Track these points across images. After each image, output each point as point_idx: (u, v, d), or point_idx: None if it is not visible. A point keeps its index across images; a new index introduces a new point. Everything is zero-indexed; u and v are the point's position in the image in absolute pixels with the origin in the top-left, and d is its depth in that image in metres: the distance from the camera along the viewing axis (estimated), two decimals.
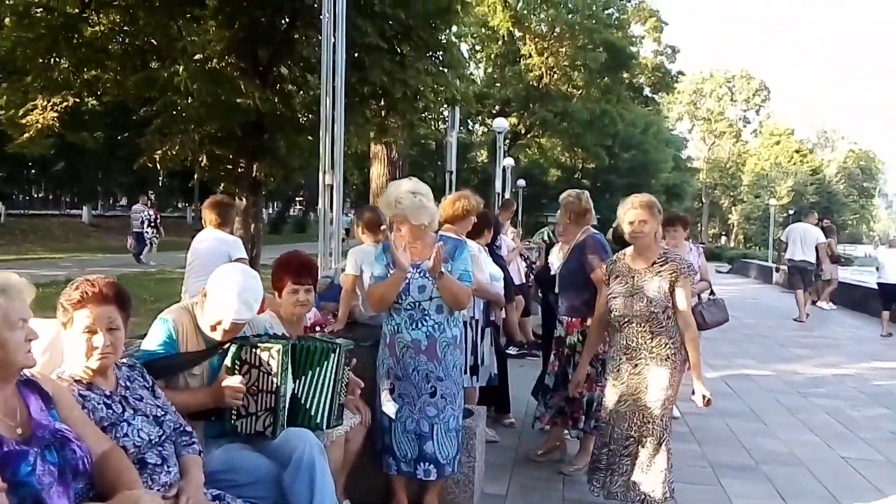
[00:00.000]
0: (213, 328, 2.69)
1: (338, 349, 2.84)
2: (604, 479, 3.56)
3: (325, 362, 2.80)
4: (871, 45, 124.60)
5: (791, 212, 60.82)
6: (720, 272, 26.31)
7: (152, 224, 18.84)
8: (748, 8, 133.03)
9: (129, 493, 1.92)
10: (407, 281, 3.33)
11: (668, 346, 3.44)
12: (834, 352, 9.36)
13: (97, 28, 10.05)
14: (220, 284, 2.67)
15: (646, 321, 3.42)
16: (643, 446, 3.47)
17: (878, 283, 11.26)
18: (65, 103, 10.35)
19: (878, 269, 11.40)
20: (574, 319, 4.36)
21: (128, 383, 2.35)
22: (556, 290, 4.64)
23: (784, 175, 64.69)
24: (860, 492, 4.32)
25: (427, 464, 3.35)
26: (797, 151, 69.11)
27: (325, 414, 2.81)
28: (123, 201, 44.53)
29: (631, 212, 3.49)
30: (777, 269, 13.29)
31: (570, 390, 4.07)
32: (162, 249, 19.92)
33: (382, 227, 4.44)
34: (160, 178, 30.16)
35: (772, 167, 66.22)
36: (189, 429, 2.44)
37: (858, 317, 13.29)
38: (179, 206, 43.53)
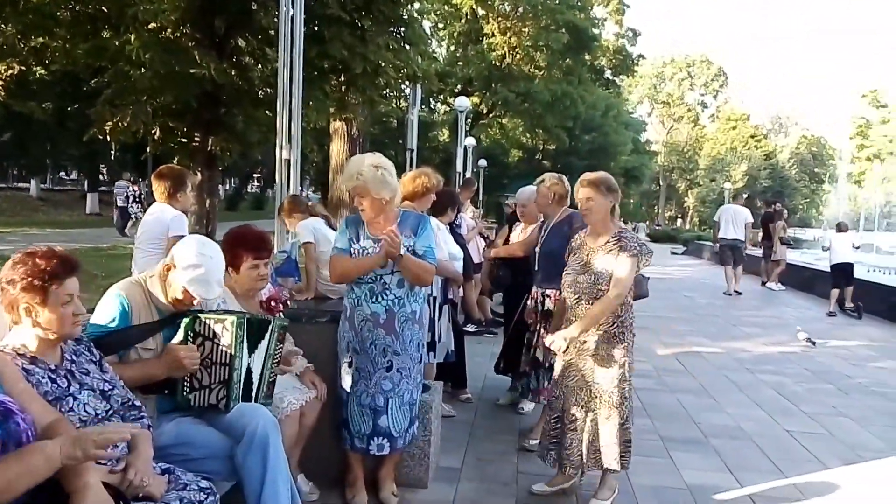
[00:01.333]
0: (178, 301, 2.66)
1: (270, 324, 2.82)
2: (556, 450, 3.63)
3: (265, 336, 2.79)
4: (826, 34, 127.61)
5: (745, 196, 62.15)
6: (675, 254, 26.84)
7: (137, 199, 19.20)
8: None
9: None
10: (368, 253, 3.31)
11: (615, 325, 3.47)
12: (781, 331, 9.64)
13: None
14: (194, 260, 2.62)
15: (593, 298, 3.45)
16: (593, 421, 3.51)
17: (831, 266, 11.80)
18: (10, 71, 9.95)
19: (828, 251, 12.04)
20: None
21: (74, 357, 2.29)
22: (535, 268, 4.70)
23: (739, 159, 66.05)
24: (803, 463, 4.48)
25: (381, 438, 3.35)
26: (752, 136, 70.49)
27: (255, 389, 2.79)
28: (74, 175, 43.26)
29: (580, 189, 3.54)
30: (714, 246, 14.13)
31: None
32: (113, 224, 19.77)
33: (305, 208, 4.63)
34: (112, 151, 29.28)
35: (727, 152, 67.46)
36: (138, 403, 2.41)
37: (806, 297, 13.72)
38: (132, 180, 42.36)
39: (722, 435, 4.97)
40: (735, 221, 13.26)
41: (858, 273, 12.16)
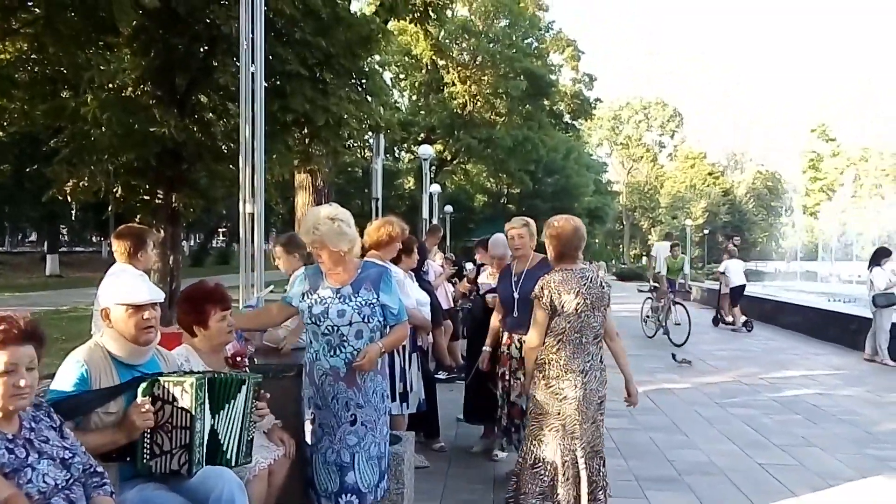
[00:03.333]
0: (138, 333, 2.63)
1: (247, 381, 2.81)
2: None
3: (238, 395, 2.76)
4: (772, 72, 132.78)
5: (706, 231, 63.49)
6: (642, 291, 27.03)
7: None
8: (660, 37, 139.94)
9: None
10: (326, 305, 3.29)
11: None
12: (748, 363, 9.78)
13: (2, 56, 9.60)
14: (112, 283, 2.75)
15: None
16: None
17: (731, 288, 13.82)
18: None
19: (725, 276, 14.05)
20: None
21: (33, 424, 2.23)
22: (514, 313, 4.63)
23: (698, 196, 67.71)
24: (775, 495, 4.50)
25: (349, 495, 3.27)
26: (710, 174, 72.51)
27: (234, 450, 2.75)
28: (33, 237, 42.46)
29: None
30: (651, 281, 15.70)
31: None
32: (73, 286, 19.28)
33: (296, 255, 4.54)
34: (72, 211, 28.83)
35: (687, 189, 69.20)
36: (100, 469, 2.34)
37: (769, 328, 13.95)
38: (94, 239, 41.77)
39: (695, 471, 4.99)
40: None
41: (818, 303, 12.84)
